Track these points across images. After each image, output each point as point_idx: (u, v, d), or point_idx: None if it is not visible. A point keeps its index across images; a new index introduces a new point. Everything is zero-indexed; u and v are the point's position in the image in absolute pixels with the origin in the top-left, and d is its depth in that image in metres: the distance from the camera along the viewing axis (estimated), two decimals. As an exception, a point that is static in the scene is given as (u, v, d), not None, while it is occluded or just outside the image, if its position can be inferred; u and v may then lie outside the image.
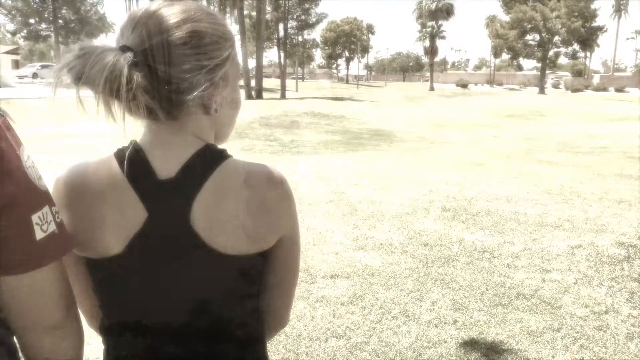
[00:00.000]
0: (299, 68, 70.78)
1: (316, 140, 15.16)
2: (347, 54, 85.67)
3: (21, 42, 56.55)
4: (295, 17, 46.05)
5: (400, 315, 3.30)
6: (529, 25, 46.30)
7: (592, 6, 44.65)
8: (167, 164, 0.86)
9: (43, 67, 48.36)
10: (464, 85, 59.21)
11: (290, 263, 0.98)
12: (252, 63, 34.85)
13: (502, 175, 8.53)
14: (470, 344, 2.94)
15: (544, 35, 46.63)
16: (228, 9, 32.03)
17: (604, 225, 5.41)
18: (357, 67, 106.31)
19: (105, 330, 0.95)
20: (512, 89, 59.35)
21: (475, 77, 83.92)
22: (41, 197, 0.76)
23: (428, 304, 3.48)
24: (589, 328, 3.15)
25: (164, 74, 0.81)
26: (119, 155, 0.88)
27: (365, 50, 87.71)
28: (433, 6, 54.57)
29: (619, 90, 52.18)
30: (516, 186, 7.49)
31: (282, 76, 39.18)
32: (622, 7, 69.55)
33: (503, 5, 50.40)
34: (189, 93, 0.83)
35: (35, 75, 44.23)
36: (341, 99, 31.05)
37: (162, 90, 0.81)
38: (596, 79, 67.35)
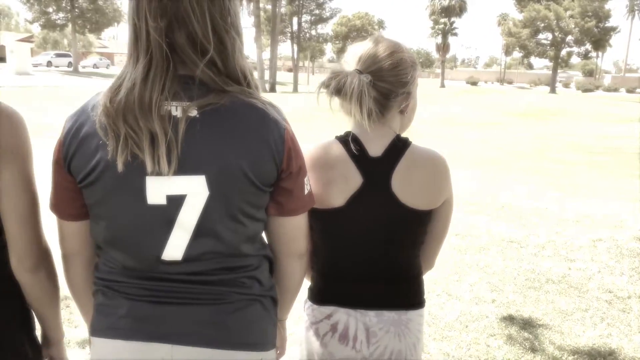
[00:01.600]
0: (310, 62, 71.07)
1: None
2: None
3: (35, 30, 57.06)
4: (309, 11, 46.37)
5: (444, 293, 3.69)
6: (542, 24, 46.37)
7: (606, 6, 44.66)
8: (375, 147, 1.27)
9: (58, 55, 48.80)
10: (474, 83, 59.31)
11: (447, 219, 1.38)
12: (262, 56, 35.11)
13: (519, 173, 8.86)
14: (509, 319, 3.31)
15: (556, 34, 46.69)
16: (244, 2, 32.34)
17: (621, 221, 5.75)
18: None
19: (318, 271, 1.35)
20: (522, 88, 59.46)
21: (485, 75, 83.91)
22: (306, 167, 1.13)
23: (467, 285, 3.85)
24: (614, 310, 3.52)
25: (383, 88, 1.22)
26: (342, 139, 1.29)
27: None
28: (446, 3, 54.71)
29: (630, 91, 52.12)
30: (534, 184, 7.82)
31: (295, 70, 39.57)
32: (636, 8, 69.32)
33: (516, 4, 50.45)
34: (394, 101, 1.24)
35: (49, 64, 44.47)
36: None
37: (381, 99, 1.22)
38: (607, 80, 67.23)
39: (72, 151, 0.99)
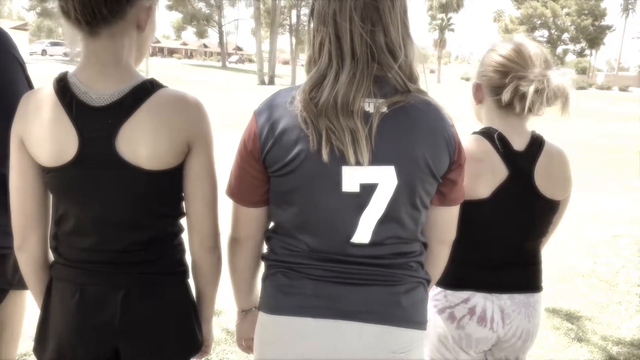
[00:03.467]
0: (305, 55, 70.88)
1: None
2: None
3: (28, 18, 56.41)
4: (308, 3, 46.24)
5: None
6: (539, 22, 46.63)
7: (602, 5, 45.04)
8: (518, 142, 1.41)
9: (53, 44, 48.23)
10: (468, 79, 59.34)
11: (565, 209, 1.56)
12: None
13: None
14: (550, 311, 3.44)
15: (553, 32, 46.97)
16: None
17: (636, 217, 5.91)
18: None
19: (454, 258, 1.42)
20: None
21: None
22: None
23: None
24: (646, 302, 3.66)
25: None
26: (487, 135, 1.40)
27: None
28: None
29: (623, 89, 52.60)
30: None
31: (294, 63, 39.53)
32: (630, 7, 69.83)
33: (513, 1, 50.71)
34: None
35: (44, 52, 44.02)
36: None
37: None
38: (600, 78, 67.65)
39: (270, 143, 1.07)
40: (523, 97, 1.32)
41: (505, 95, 1.34)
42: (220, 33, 56.82)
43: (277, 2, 33.93)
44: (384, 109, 1.04)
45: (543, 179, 1.40)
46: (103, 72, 1.08)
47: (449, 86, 41.46)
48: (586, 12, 44.71)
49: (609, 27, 49.42)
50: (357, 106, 1.02)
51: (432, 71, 54.84)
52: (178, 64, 52.21)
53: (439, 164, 1.10)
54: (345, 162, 1.03)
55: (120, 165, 1.07)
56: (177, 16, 60.53)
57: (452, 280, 1.44)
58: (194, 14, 53.92)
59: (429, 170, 1.08)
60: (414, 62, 1.10)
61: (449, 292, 1.45)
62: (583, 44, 48.14)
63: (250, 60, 78.68)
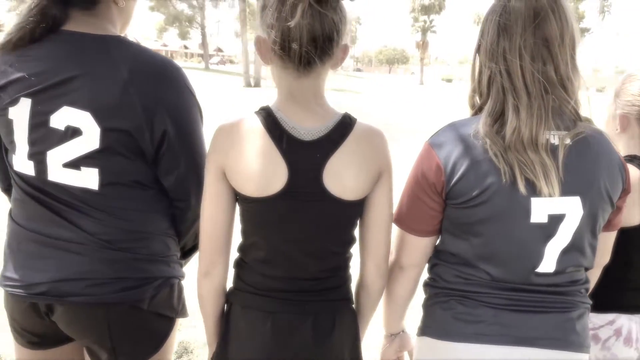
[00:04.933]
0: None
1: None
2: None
3: (3, 19, 55.30)
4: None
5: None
6: (520, 24, 47.30)
7: (581, 7, 45.97)
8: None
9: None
10: (449, 80, 60.37)
11: None
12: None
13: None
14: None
15: (533, 34, 47.68)
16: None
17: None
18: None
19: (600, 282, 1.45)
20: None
21: (460, 72, 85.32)
22: None
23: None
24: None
25: None
26: (637, 162, 1.40)
27: (353, 41, 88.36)
28: (427, 2, 55.33)
29: (600, 90, 53.84)
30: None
31: (278, 65, 39.26)
32: (606, 9, 71.37)
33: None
34: None
35: (22, 54, 43.41)
36: (341, 90, 31.42)
37: None
38: (578, 79, 68.96)
39: (457, 176, 1.10)
40: None
41: None
42: (203, 35, 56.48)
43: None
44: (568, 141, 1.08)
45: None
46: (309, 109, 1.12)
47: (432, 88, 41.88)
48: (566, 14, 45.56)
49: (587, 30, 50.44)
50: (543, 139, 1.06)
51: (412, 73, 55.39)
52: (160, 66, 51.67)
53: (615, 192, 1.14)
54: (536, 194, 1.06)
55: (324, 197, 1.10)
56: (159, 18, 59.88)
57: (597, 302, 1.45)
58: (176, 16, 53.48)
59: (608, 199, 1.12)
60: (578, 92, 1.13)
61: (592, 314, 1.45)
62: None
63: (231, 62, 78.44)
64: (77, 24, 1.16)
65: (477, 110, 1.20)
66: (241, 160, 1.10)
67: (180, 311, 1.34)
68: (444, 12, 57.22)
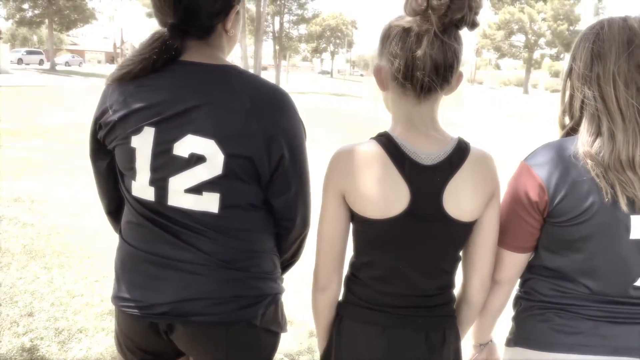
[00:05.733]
0: (285, 61, 71.12)
1: (346, 139, 15.60)
2: (332, 48, 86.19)
3: (2, 25, 55.19)
4: (290, 11, 46.54)
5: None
6: (516, 27, 47.69)
7: (576, 10, 46.27)
8: None
9: (28, 52, 47.14)
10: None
11: None
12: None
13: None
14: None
15: (530, 36, 48.11)
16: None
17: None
18: (337, 61, 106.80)
19: None
20: (493, 88, 60.98)
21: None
22: None
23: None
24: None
25: None
26: None
27: (350, 45, 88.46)
28: (423, 4, 55.16)
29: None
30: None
31: (277, 69, 39.70)
32: (601, 12, 71.87)
33: (491, 6, 51.71)
34: None
35: (20, 61, 43.02)
36: (342, 95, 31.49)
37: None
38: (573, 80, 68.89)
39: (560, 195, 1.17)
40: None
41: None
42: (201, 40, 56.36)
43: (261, 9, 33.95)
44: None
45: None
46: (427, 134, 1.17)
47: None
48: (562, 17, 45.82)
49: (583, 32, 50.60)
50: (639, 159, 1.13)
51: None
52: (158, 72, 51.47)
53: None
54: (635, 212, 1.14)
55: (443, 219, 1.16)
56: (156, 23, 59.74)
57: None
58: (174, 22, 53.30)
59: None
60: None
61: None
62: (559, 48, 49.38)
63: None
64: (193, 53, 1.20)
65: (569, 131, 1.27)
66: (364, 184, 1.15)
67: (284, 326, 1.39)
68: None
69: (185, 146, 1.15)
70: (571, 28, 46.17)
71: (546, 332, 1.26)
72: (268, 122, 1.18)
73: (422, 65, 1.09)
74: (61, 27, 40.90)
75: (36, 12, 37.86)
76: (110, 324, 2.99)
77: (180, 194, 1.19)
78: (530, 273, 1.33)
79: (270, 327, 1.31)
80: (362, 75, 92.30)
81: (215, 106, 1.15)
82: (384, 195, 1.14)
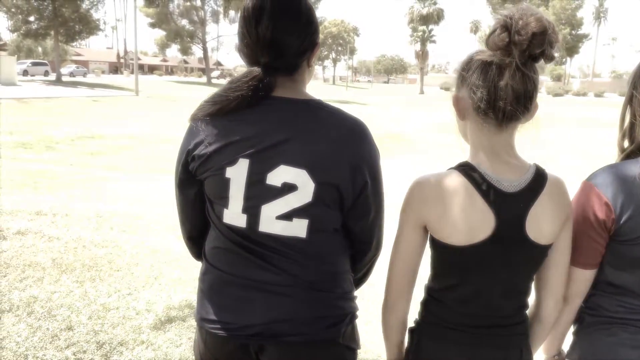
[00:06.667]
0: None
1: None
2: (333, 55, 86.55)
3: (6, 37, 55.57)
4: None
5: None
6: (518, 32, 47.60)
7: (578, 14, 46.48)
8: None
9: (34, 64, 47.46)
10: (447, 89, 60.23)
11: None
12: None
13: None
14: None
15: (532, 41, 47.96)
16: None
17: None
18: (339, 68, 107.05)
19: None
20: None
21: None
22: None
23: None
24: None
25: None
26: None
27: (352, 52, 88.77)
28: (424, 11, 55.72)
29: (598, 95, 53.97)
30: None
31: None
32: (602, 15, 72.09)
33: (492, 12, 51.85)
34: None
35: (25, 73, 43.20)
36: (346, 102, 31.60)
37: None
38: (575, 84, 69.21)
39: (627, 215, 1.25)
40: None
41: None
42: (205, 50, 56.84)
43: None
44: None
45: None
46: (508, 162, 1.22)
47: (432, 97, 42.01)
48: (564, 21, 46.01)
49: (585, 36, 50.93)
50: None
51: (411, 82, 55.44)
52: (161, 81, 52.01)
53: None
54: None
55: (526, 243, 1.21)
56: (160, 33, 60.21)
57: None
58: (177, 31, 53.77)
59: None
60: None
61: None
62: (561, 52, 49.48)
63: (231, 75, 78.33)
64: (281, 89, 1.27)
65: (630, 154, 1.34)
66: (450, 213, 1.19)
67: (359, 343, 1.43)
68: (442, 22, 57.58)
69: (278, 176, 1.23)
70: (573, 32, 46.29)
71: (612, 347, 1.31)
72: (352, 152, 1.25)
73: (504, 95, 1.14)
74: (66, 39, 41.14)
75: (42, 24, 38.08)
76: (148, 337, 3.06)
77: (271, 220, 1.26)
78: (594, 289, 1.38)
79: (350, 344, 1.37)
80: (369, 81, 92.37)
81: (305, 138, 1.23)
82: (470, 223, 1.19)
